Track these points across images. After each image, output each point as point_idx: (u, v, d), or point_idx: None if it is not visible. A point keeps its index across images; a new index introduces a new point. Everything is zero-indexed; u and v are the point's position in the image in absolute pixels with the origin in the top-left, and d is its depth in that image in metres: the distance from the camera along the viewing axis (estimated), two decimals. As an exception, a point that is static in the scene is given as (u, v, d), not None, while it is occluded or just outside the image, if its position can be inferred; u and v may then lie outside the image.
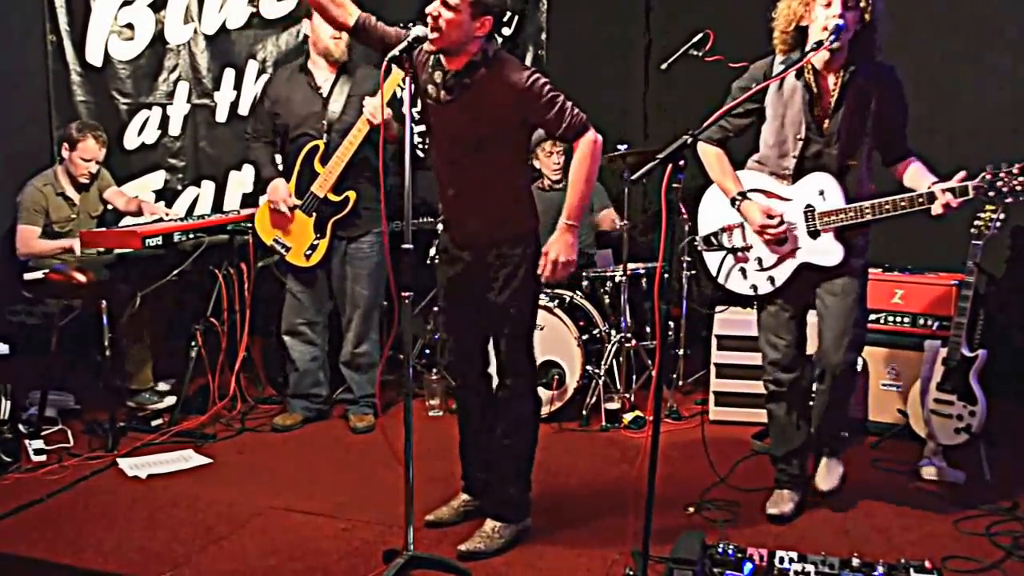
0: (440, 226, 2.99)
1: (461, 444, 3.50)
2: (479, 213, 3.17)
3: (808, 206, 3.28)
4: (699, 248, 3.64)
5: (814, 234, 3.28)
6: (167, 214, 5.03)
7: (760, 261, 3.43)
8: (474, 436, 3.45)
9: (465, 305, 3.28)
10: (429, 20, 2.92)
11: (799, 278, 3.35)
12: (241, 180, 5.65)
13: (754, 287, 3.45)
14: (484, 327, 3.29)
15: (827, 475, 3.58)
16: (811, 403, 3.56)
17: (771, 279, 3.40)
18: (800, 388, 3.50)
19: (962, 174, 3.04)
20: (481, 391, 3.42)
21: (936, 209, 3.03)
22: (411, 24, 3.03)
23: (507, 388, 3.29)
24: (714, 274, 3.56)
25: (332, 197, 4.40)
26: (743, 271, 3.48)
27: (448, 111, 3.09)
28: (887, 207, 3.12)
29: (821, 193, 3.24)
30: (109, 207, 5.06)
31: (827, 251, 3.26)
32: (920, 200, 3.07)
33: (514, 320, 3.21)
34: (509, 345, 3.24)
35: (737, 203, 3.36)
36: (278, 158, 4.59)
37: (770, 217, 3.29)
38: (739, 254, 3.48)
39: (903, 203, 3.10)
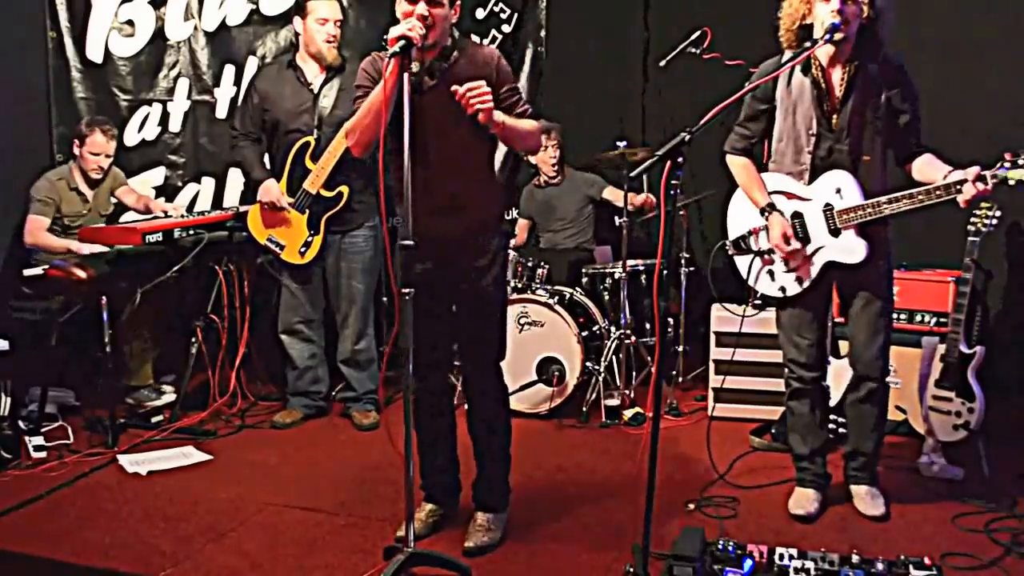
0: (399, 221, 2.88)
1: (422, 450, 3.37)
2: (464, 203, 3.14)
3: (827, 205, 3.28)
4: (729, 252, 3.64)
5: (835, 232, 3.28)
6: (175, 209, 5.02)
7: (787, 262, 3.44)
8: (440, 440, 3.40)
9: (439, 300, 3.24)
10: (417, 20, 2.89)
11: (825, 277, 3.36)
12: (241, 176, 5.65)
13: (783, 288, 3.45)
14: (456, 319, 3.28)
15: (872, 501, 3.48)
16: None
17: (799, 279, 3.40)
18: (821, 387, 3.51)
19: (976, 169, 2.99)
20: (447, 392, 3.43)
21: (966, 196, 2.98)
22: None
23: (484, 382, 3.29)
24: (744, 277, 3.56)
25: (324, 193, 4.40)
26: (771, 273, 3.48)
27: (433, 97, 3.05)
28: (905, 201, 3.10)
29: (838, 191, 3.24)
30: (115, 202, 5.08)
31: (850, 249, 3.25)
32: (939, 192, 3.03)
33: (490, 306, 3.25)
34: (485, 334, 3.25)
35: (767, 215, 3.38)
36: (266, 157, 4.59)
37: (787, 241, 3.31)
38: (766, 256, 3.49)
39: (921, 196, 3.07)
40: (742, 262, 3.58)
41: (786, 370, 3.52)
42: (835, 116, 3.24)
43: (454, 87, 2.91)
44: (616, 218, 5.10)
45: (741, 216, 3.58)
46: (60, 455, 4.15)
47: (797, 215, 3.36)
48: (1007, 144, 3.07)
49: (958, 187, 3.00)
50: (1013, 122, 4.60)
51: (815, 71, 3.24)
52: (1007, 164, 2.98)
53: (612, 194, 5.42)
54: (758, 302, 4.26)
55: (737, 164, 3.49)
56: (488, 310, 3.25)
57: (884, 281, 3.37)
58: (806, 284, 3.39)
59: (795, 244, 3.32)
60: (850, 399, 3.50)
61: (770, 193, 3.40)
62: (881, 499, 3.49)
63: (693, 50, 4.71)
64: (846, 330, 3.47)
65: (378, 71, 3.06)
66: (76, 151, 4.87)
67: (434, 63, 3.06)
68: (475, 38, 3.22)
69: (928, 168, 3.20)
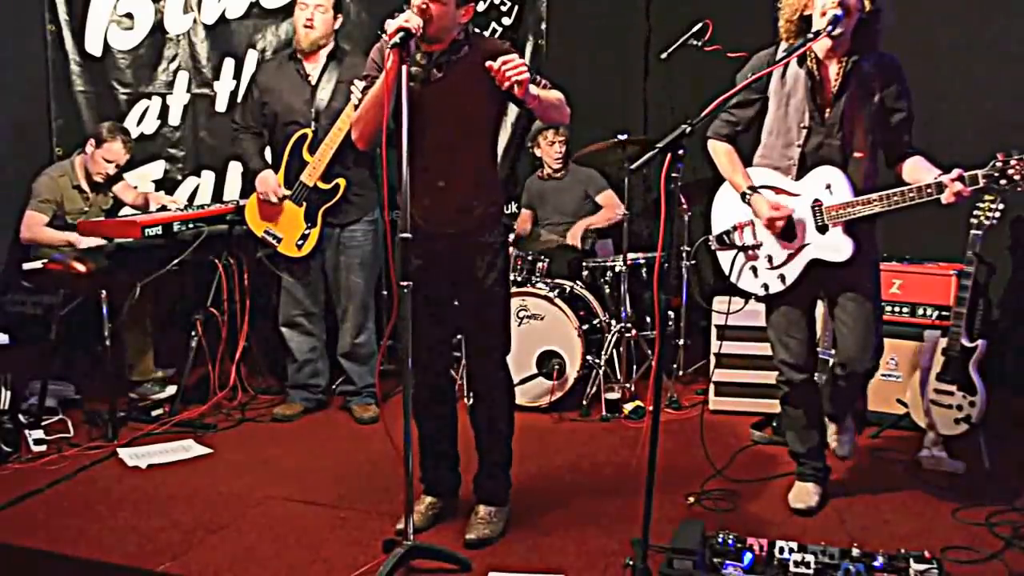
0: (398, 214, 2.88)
1: (422, 443, 3.38)
2: (466, 199, 3.14)
3: (815, 201, 3.25)
4: (712, 247, 3.61)
5: (822, 229, 3.26)
6: (174, 202, 5.03)
7: (770, 259, 3.40)
8: (440, 434, 3.40)
9: (440, 295, 3.24)
10: (416, 9, 2.91)
11: (809, 275, 3.33)
12: (240, 170, 5.64)
13: (765, 286, 3.43)
14: (461, 316, 3.28)
15: (842, 441, 3.69)
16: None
17: (782, 277, 3.37)
18: (813, 386, 3.49)
19: (957, 171, 2.98)
20: (447, 386, 3.42)
21: (947, 198, 2.98)
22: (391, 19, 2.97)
23: (490, 373, 3.28)
24: (727, 273, 3.54)
25: (321, 185, 4.39)
26: (754, 269, 3.46)
27: (439, 89, 3.06)
28: (896, 198, 3.08)
29: (828, 187, 3.21)
30: (112, 197, 5.07)
31: (837, 246, 3.22)
32: (929, 190, 3.01)
33: (496, 302, 3.24)
34: (490, 331, 3.25)
35: (747, 197, 3.34)
36: (267, 150, 4.59)
37: (777, 209, 3.28)
38: (749, 252, 3.47)
39: (911, 194, 3.05)
40: (725, 257, 3.56)
41: (777, 372, 3.50)
42: (828, 110, 3.22)
43: (488, 62, 2.83)
44: (618, 208, 5.10)
45: (726, 210, 3.55)
46: (60, 448, 4.14)
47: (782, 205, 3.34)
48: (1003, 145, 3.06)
49: (944, 186, 2.98)
50: (1011, 123, 4.60)
51: (810, 63, 3.22)
52: (999, 163, 2.96)
53: (604, 199, 5.41)
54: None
55: (720, 149, 3.45)
56: (493, 306, 3.24)
57: (871, 280, 3.34)
58: (789, 282, 3.37)
59: (785, 210, 3.28)
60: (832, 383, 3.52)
61: (759, 187, 3.36)
62: (848, 439, 3.68)
63: (694, 42, 4.71)
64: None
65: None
66: (89, 149, 4.82)
67: (443, 55, 3.05)
68: (475, 30, 3.21)
69: (918, 170, 3.18)
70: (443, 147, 3.09)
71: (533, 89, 2.91)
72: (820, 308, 3.53)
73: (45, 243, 4.66)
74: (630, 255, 4.81)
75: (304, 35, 4.40)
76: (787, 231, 3.32)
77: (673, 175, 2.65)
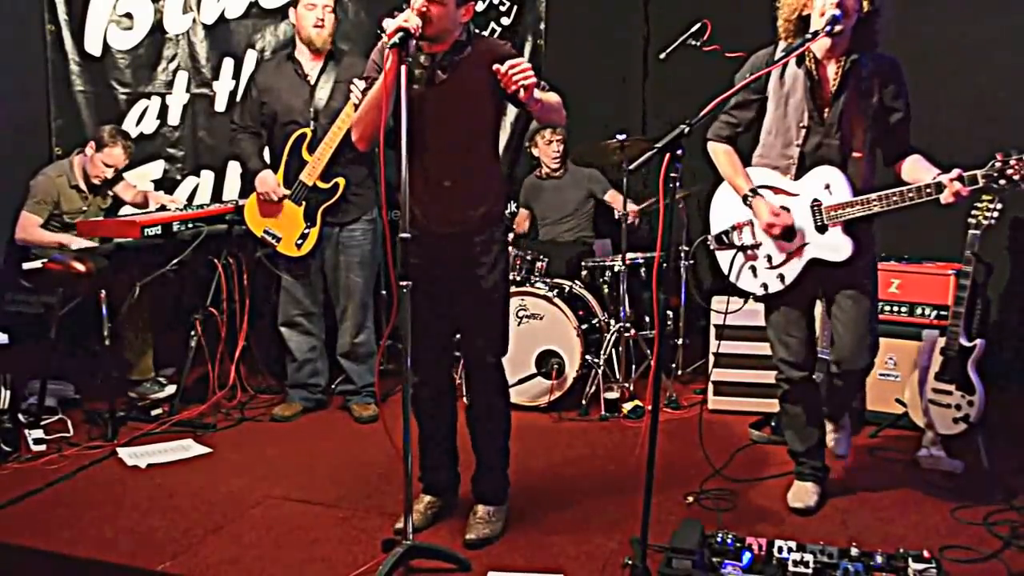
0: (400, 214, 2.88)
1: (422, 443, 3.39)
2: (469, 199, 3.15)
3: (815, 200, 3.25)
4: (711, 247, 3.61)
5: (822, 229, 3.26)
6: (173, 202, 5.03)
7: (769, 259, 3.40)
8: (439, 433, 3.41)
9: (441, 294, 3.23)
10: (415, 10, 2.91)
11: (809, 275, 3.33)
12: (239, 170, 5.64)
13: (764, 285, 3.43)
14: (460, 315, 3.28)
15: (839, 440, 3.68)
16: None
17: (781, 276, 3.37)
18: (812, 385, 3.49)
19: (956, 171, 2.99)
20: (447, 385, 3.42)
21: (946, 198, 2.98)
22: (391, 17, 2.96)
23: (487, 373, 3.28)
24: (726, 273, 3.54)
25: (321, 184, 4.39)
26: (753, 269, 3.46)
27: (443, 90, 3.06)
28: (895, 198, 3.08)
29: (827, 187, 3.21)
30: (112, 196, 5.07)
31: (836, 246, 3.22)
32: (928, 190, 3.01)
33: (496, 303, 3.24)
34: (488, 331, 3.25)
35: (749, 200, 3.34)
36: (266, 150, 4.59)
37: (777, 216, 3.28)
38: (748, 252, 3.47)
39: (911, 194, 3.05)
40: (724, 257, 3.56)
41: (776, 371, 3.50)
42: (827, 110, 3.21)
43: (496, 66, 2.83)
44: (616, 212, 5.10)
45: (724, 210, 3.55)
46: (60, 448, 4.14)
47: (783, 210, 3.34)
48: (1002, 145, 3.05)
49: (943, 186, 2.98)
50: (1011, 123, 4.61)
51: (809, 63, 3.22)
52: (998, 164, 2.96)
53: (612, 198, 5.45)
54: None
55: (720, 151, 3.45)
56: (491, 306, 3.24)
57: (869, 278, 3.34)
58: (789, 281, 3.37)
59: (785, 219, 3.27)
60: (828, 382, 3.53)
61: (758, 187, 3.36)
62: (845, 438, 3.70)
63: (693, 42, 4.71)
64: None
65: None
66: (88, 151, 4.83)
67: (446, 56, 3.06)
68: (475, 30, 3.21)
69: (916, 170, 3.18)
70: (447, 147, 3.09)
71: (537, 93, 2.92)
72: (819, 307, 3.53)
73: (39, 244, 4.66)
74: (629, 255, 4.81)
75: (316, 35, 4.40)
76: (786, 231, 3.32)
77: (672, 175, 2.65)
